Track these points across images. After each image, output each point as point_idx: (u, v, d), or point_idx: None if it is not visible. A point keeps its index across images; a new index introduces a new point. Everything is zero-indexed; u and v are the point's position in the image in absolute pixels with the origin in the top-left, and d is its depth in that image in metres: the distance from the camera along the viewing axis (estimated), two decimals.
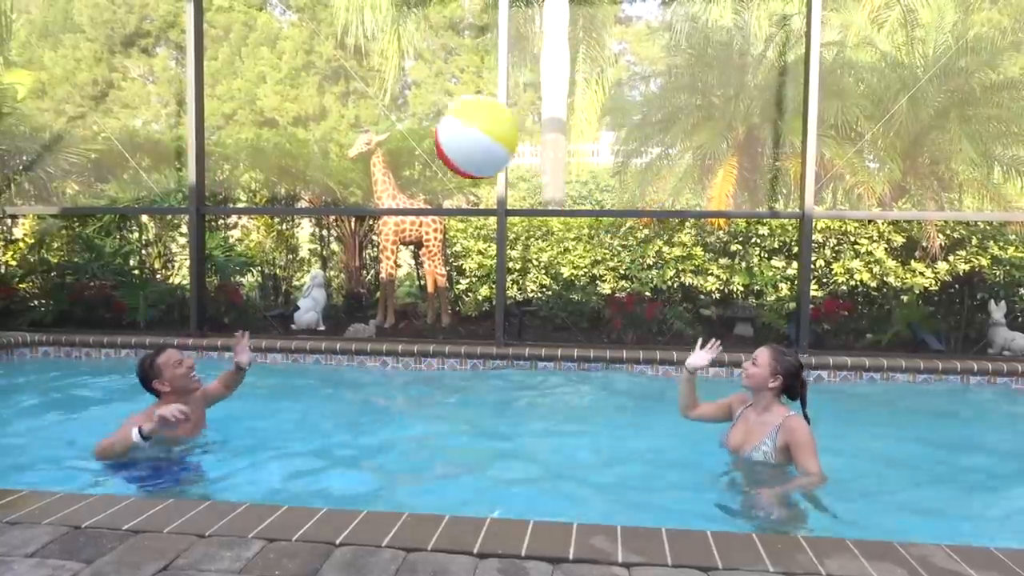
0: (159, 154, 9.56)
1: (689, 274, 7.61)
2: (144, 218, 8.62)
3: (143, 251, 8.69)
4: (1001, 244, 7.17)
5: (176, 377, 3.60)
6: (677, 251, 7.62)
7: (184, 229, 8.57)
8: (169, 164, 9.34)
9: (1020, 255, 7.10)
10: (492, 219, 7.82)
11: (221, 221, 8.78)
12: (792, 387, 3.35)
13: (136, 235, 8.66)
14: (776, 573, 2.15)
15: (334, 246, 9.49)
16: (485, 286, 8.10)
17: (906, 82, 7.87)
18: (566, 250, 7.96)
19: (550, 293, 7.94)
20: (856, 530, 2.86)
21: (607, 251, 7.93)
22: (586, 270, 7.84)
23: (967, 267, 7.11)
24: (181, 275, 8.70)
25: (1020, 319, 7.18)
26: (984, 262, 7.09)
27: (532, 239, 8.12)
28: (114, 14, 23.80)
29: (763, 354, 3.39)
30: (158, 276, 8.60)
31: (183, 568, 2.14)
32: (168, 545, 2.28)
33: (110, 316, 7.51)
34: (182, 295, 8.00)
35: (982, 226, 7.32)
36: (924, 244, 7.27)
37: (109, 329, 7.19)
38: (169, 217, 8.62)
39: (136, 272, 8.28)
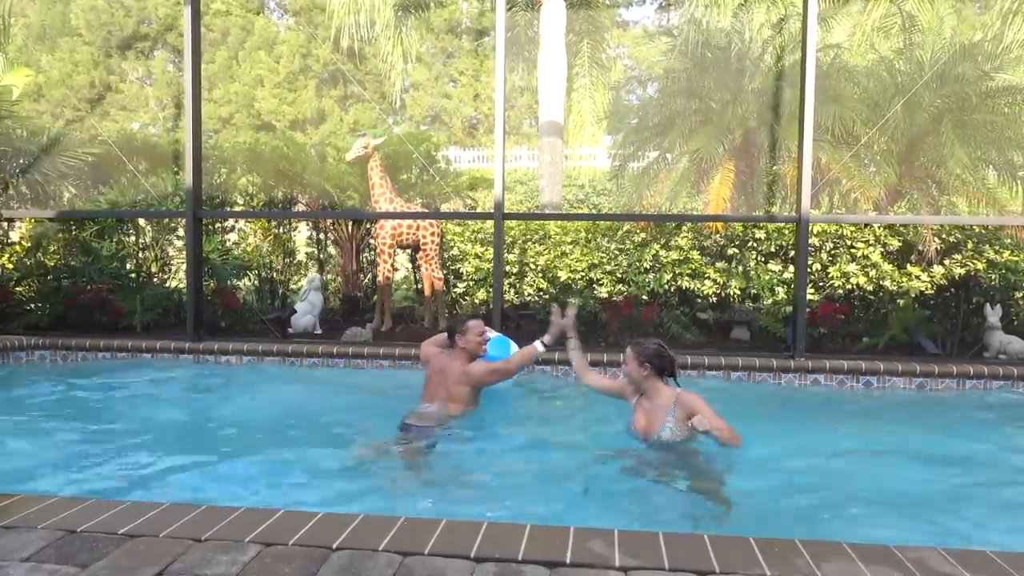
0: (156, 157, 9.56)
1: (686, 278, 7.62)
2: (141, 221, 8.61)
3: (140, 254, 8.68)
4: (996, 248, 7.19)
5: (470, 342, 4.45)
6: (674, 255, 7.63)
7: (181, 232, 8.57)
8: (166, 167, 9.33)
9: (1015, 259, 7.11)
10: (489, 223, 7.82)
11: (218, 224, 8.78)
12: (662, 368, 3.90)
13: (133, 238, 8.65)
14: None
15: (331, 250, 9.49)
16: (482, 290, 8.10)
17: (902, 87, 7.89)
18: (563, 254, 7.97)
19: (547, 297, 7.94)
20: (853, 534, 2.87)
21: (604, 255, 7.93)
22: (583, 274, 7.85)
23: (963, 271, 7.13)
24: (178, 278, 8.69)
25: (1016, 323, 7.20)
26: (980, 266, 7.11)
27: (529, 243, 8.13)
28: (112, 17, 23.80)
29: (627, 354, 3.96)
30: (155, 279, 8.58)
31: (179, 572, 2.13)
32: (164, 549, 2.28)
33: (106, 320, 7.50)
34: (179, 298, 7.99)
35: (977, 230, 7.34)
36: (920, 248, 7.29)
37: (105, 333, 7.18)
38: (166, 220, 8.61)
39: (133, 275, 8.27)
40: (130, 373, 6.18)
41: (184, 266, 7.58)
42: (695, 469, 3.63)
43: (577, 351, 4.52)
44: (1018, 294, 7.35)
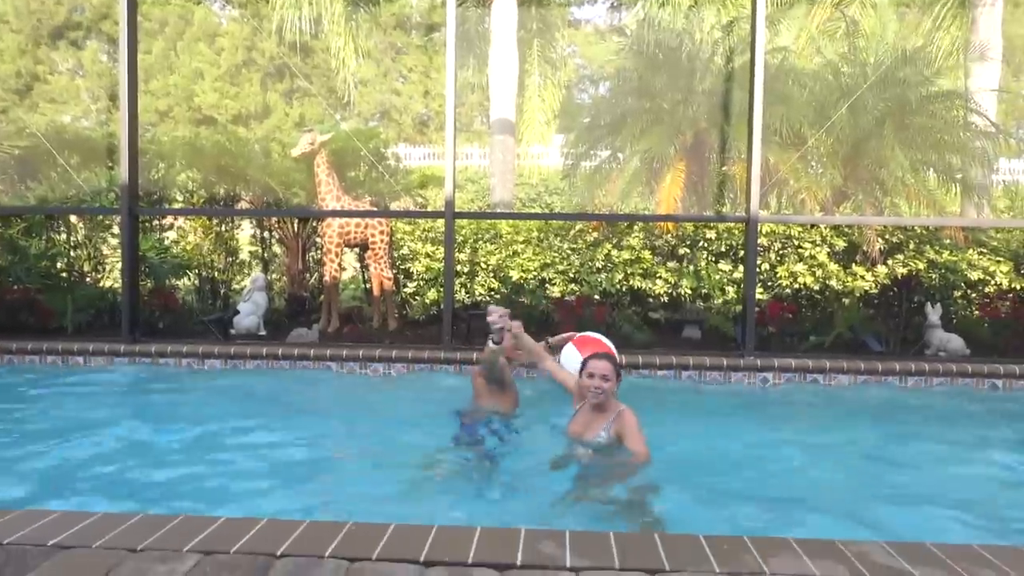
0: (89, 152, 9.22)
1: (638, 277, 7.72)
2: (73, 218, 8.31)
3: (71, 253, 8.38)
4: (937, 248, 7.48)
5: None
6: (626, 254, 7.73)
7: (116, 230, 8.30)
8: (100, 162, 9.03)
9: (954, 259, 7.41)
10: (440, 221, 7.79)
11: (156, 222, 8.54)
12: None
13: (64, 236, 8.35)
14: (722, 573, 2.20)
15: (276, 248, 9.32)
16: (433, 289, 8.06)
17: (847, 90, 8.14)
18: (515, 253, 7.99)
19: (499, 296, 7.94)
20: (799, 529, 2.95)
21: (556, 254, 7.98)
22: (535, 273, 7.88)
23: (905, 271, 7.40)
24: (112, 278, 8.42)
25: (955, 321, 7.49)
26: (921, 266, 7.38)
27: (480, 242, 8.12)
28: (42, 4, 22.96)
29: (609, 368, 3.84)
30: (87, 279, 8.30)
31: None
32: (98, 561, 2.21)
33: (35, 321, 7.22)
34: (113, 299, 7.75)
35: (919, 231, 7.62)
36: (864, 248, 7.53)
37: (34, 335, 6.91)
38: (100, 218, 8.34)
39: (64, 275, 7.99)
40: (61, 377, 5.98)
41: (119, 265, 7.35)
42: (628, 474, 3.66)
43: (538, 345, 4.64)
44: (957, 293, 7.66)
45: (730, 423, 5.02)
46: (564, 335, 4.94)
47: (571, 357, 4.62)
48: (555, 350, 4.84)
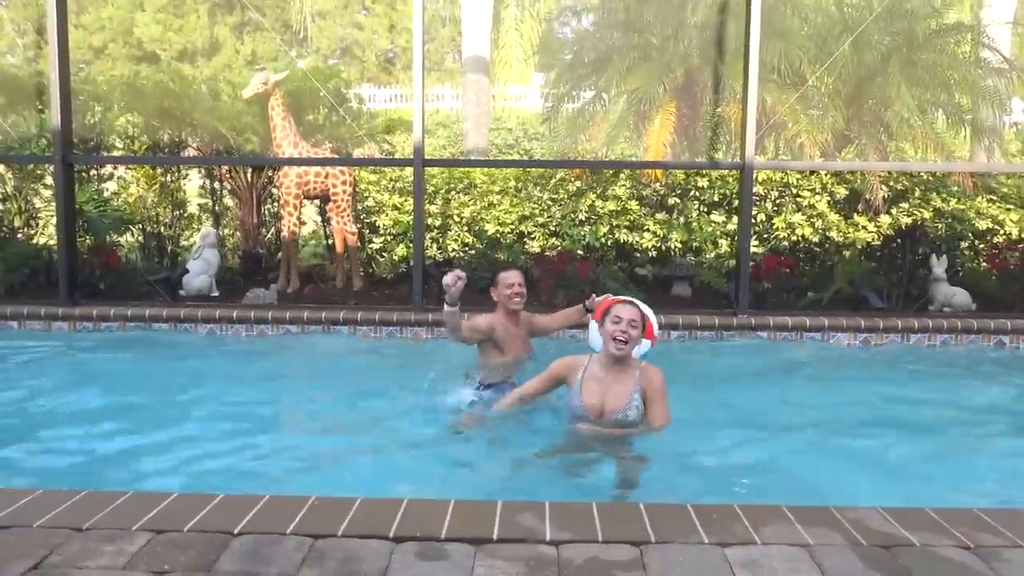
0: (16, 92, 8.99)
1: (624, 230, 7.73)
2: (0, 168, 8.12)
3: (0, 207, 8.23)
4: (943, 196, 7.55)
5: (502, 295, 4.64)
6: (611, 205, 7.72)
7: (49, 181, 8.15)
8: (29, 105, 8.83)
9: (962, 207, 7.49)
10: (408, 170, 7.71)
11: (93, 171, 8.39)
12: None
13: None
14: (711, 544, 2.24)
15: (228, 201, 9.20)
16: (401, 245, 8.02)
17: (850, 23, 8.09)
18: (490, 205, 7.95)
19: (473, 252, 7.93)
20: (793, 495, 3.02)
21: (536, 206, 7.95)
22: (513, 226, 7.86)
23: (909, 220, 7.47)
24: (47, 234, 8.31)
25: (961, 274, 7.61)
26: (926, 215, 7.45)
27: (453, 192, 8.07)
28: None
29: (637, 314, 3.51)
30: (19, 235, 8.17)
31: (57, 566, 2.08)
32: (39, 541, 2.21)
33: None
34: (49, 257, 7.65)
35: (925, 177, 7.67)
36: (867, 196, 7.59)
37: None
38: (31, 167, 8.17)
39: None
40: None
41: (54, 220, 7.24)
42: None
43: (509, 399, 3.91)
44: (963, 244, 7.76)
45: (721, 384, 5.10)
46: (600, 298, 4.53)
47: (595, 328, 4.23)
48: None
